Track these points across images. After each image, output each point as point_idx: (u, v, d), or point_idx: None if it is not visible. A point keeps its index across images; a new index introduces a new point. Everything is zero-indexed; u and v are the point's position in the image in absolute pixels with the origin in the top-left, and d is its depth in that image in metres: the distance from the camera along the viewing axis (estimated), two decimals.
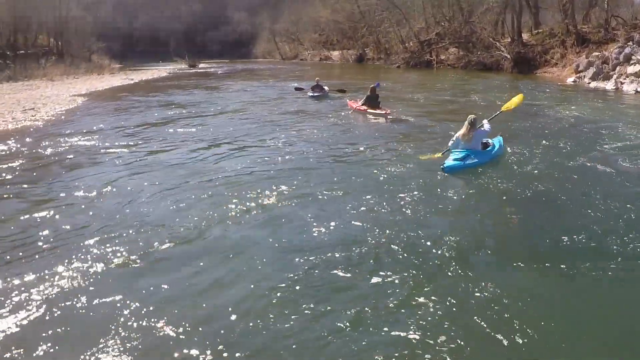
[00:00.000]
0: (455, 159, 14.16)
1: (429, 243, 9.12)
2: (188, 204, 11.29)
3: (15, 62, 62.65)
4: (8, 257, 8.96)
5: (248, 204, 11.12)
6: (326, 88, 33.42)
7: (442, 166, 13.87)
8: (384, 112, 23.87)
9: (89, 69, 71.57)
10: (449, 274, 8.02)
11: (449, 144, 15.01)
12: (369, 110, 24.72)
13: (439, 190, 12.36)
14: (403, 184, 12.62)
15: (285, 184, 12.51)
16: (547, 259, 8.45)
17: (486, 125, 15.30)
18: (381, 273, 8.00)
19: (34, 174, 14.80)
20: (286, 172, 13.96)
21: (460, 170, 13.87)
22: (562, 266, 8.20)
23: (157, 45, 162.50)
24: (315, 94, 32.07)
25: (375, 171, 13.80)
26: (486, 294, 7.33)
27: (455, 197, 11.92)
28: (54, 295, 7.61)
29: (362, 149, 16.89)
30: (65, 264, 8.54)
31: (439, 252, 8.79)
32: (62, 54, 78.61)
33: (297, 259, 8.53)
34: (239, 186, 12.51)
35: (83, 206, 11.47)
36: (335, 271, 8.10)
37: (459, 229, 9.87)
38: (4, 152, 17.68)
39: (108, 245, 9.24)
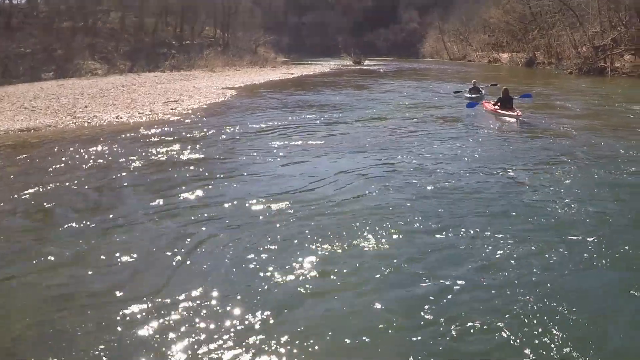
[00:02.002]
0: None
1: None
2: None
3: (180, 51, 63.15)
4: None
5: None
6: (483, 90, 32.16)
7: None
8: (516, 114, 23.29)
9: (253, 61, 71.75)
10: None
11: None
12: (500, 111, 24.35)
13: None
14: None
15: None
16: None
17: None
18: None
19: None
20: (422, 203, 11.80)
21: None
22: None
23: (325, 40, 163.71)
24: (473, 96, 30.63)
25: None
26: None
27: None
28: None
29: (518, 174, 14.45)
30: None
31: None
32: (228, 46, 78.96)
33: None
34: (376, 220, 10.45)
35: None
36: None
37: None
38: (90, 153, 16.48)
39: None
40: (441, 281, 7.76)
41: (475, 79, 35.67)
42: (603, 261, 8.38)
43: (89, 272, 8.12)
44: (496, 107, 24.89)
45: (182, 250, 8.87)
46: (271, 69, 67.40)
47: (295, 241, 9.19)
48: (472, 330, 6.54)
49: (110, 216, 10.66)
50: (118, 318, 6.84)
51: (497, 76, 59.68)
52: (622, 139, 18.61)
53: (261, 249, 8.93)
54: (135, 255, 8.62)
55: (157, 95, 30.97)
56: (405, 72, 70.89)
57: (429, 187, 12.19)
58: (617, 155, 15.91)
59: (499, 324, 6.63)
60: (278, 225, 10.00)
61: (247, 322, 6.73)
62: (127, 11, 67.21)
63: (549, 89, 40.30)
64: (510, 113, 23.72)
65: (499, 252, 8.71)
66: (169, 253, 8.75)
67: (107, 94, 31.30)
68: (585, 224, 10.00)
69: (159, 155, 15.84)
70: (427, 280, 7.80)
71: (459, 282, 7.72)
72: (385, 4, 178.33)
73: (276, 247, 8.99)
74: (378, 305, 7.12)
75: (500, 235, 9.36)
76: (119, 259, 8.50)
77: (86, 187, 12.68)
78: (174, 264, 8.36)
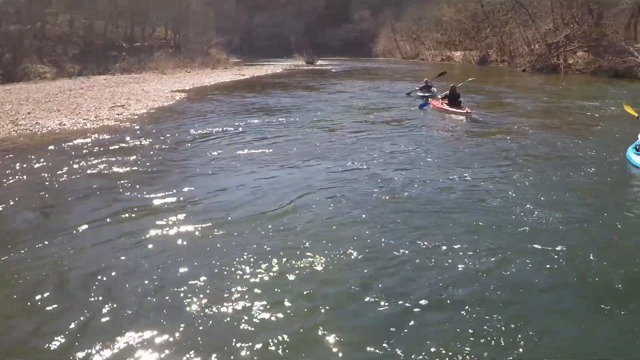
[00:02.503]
0: None
1: None
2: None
3: (130, 54, 62.53)
4: None
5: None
6: (434, 89, 32.18)
7: None
8: (465, 111, 23.78)
9: (204, 62, 71.37)
10: None
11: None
12: (449, 109, 24.75)
13: None
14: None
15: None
16: None
17: None
18: None
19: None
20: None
21: None
22: None
23: (278, 41, 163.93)
24: (425, 94, 31.00)
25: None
26: None
27: None
28: None
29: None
30: None
31: None
32: (179, 47, 78.46)
33: None
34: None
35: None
36: None
37: None
38: (26, 164, 15.56)
39: None
40: (399, 302, 7.22)
41: (427, 77, 35.50)
42: (569, 271, 8.12)
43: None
44: (444, 104, 25.34)
45: (102, 282, 7.94)
46: (222, 70, 66.86)
47: (235, 264, 8.42)
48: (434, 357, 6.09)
49: (34, 235, 9.86)
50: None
51: (451, 75, 59.93)
52: (579, 138, 18.84)
53: (194, 276, 8.09)
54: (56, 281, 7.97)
55: (104, 99, 30.15)
56: (358, 71, 70.88)
57: (383, 197, 11.65)
58: (575, 155, 16.03)
59: (462, 348, 6.22)
60: (217, 246, 9.21)
61: None
62: (76, 13, 66.17)
63: (503, 87, 40.90)
64: (460, 110, 24.12)
65: (459, 266, 8.25)
66: (89, 286, 7.83)
67: (53, 99, 30.43)
68: (547, 231, 9.73)
69: (96, 168, 14.83)
70: (384, 304, 7.19)
71: (419, 302, 7.22)
72: (338, 4, 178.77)
73: (212, 273, 8.17)
74: (329, 336, 6.51)
75: (460, 247, 8.93)
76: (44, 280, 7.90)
77: (12, 202, 11.82)
78: (93, 297, 7.48)
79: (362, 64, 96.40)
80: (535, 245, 8.91)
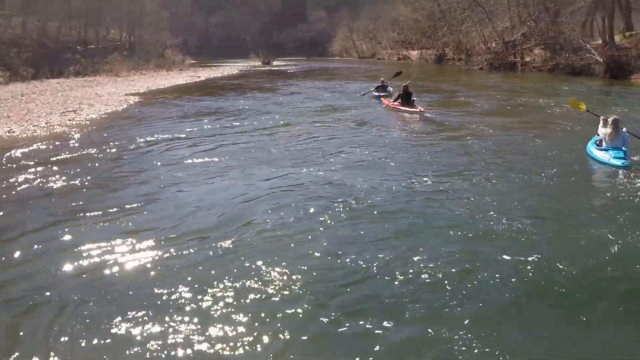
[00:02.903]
0: (620, 157, 14.06)
1: None
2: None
3: (85, 56, 61.71)
4: None
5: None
6: (391, 89, 32.35)
7: (622, 163, 13.75)
8: (418, 110, 23.84)
9: (159, 64, 70.84)
10: None
11: (600, 129, 15.30)
12: (402, 108, 24.95)
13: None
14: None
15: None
16: None
17: (627, 135, 14.98)
18: None
19: None
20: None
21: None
22: None
23: (234, 42, 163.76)
24: (380, 94, 31.03)
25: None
26: None
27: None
28: None
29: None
30: None
31: None
32: (134, 49, 77.80)
33: None
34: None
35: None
36: None
37: None
38: None
39: None
40: (360, 321, 6.74)
41: (384, 77, 35.41)
42: (537, 277, 7.84)
43: None
44: (396, 103, 25.62)
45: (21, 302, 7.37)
46: (178, 72, 66.19)
47: (179, 289, 7.55)
48: None
49: None
50: None
51: (407, 74, 59.95)
52: (539, 136, 18.80)
53: (133, 305, 7.19)
54: None
55: (56, 104, 29.29)
56: (314, 72, 70.76)
57: (339, 206, 11.02)
58: (536, 154, 15.98)
59: None
60: (157, 268, 8.36)
61: None
62: (29, 15, 65.20)
63: (460, 86, 41.02)
64: (413, 109, 24.21)
65: (422, 277, 7.86)
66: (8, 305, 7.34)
67: (4, 104, 29.59)
68: (512, 235, 9.43)
69: (38, 179, 13.87)
70: (345, 323, 6.71)
71: (381, 320, 6.75)
72: (293, 4, 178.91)
73: (153, 300, 7.34)
74: None
75: (422, 257, 8.48)
76: None
77: None
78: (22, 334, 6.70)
79: (319, 64, 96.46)
80: (501, 252, 8.66)
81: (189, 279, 7.87)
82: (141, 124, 23.96)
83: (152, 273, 8.21)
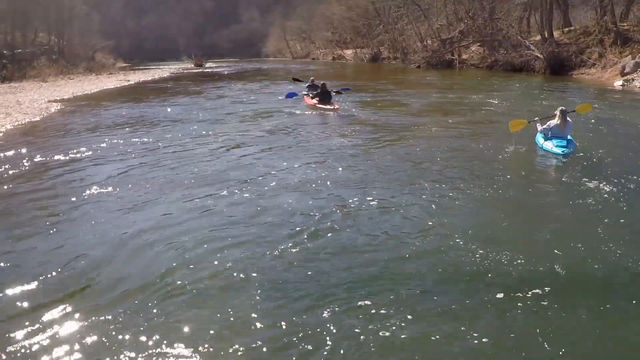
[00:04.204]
0: (562, 146, 14.80)
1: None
2: None
3: (12, 61, 59.80)
4: None
5: None
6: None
7: (562, 151, 14.52)
8: (333, 107, 25.16)
9: (89, 68, 69.18)
10: None
11: (538, 127, 15.98)
12: (319, 105, 25.97)
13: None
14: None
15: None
16: None
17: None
18: None
19: None
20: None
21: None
22: None
23: (167, 44, 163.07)
24: (311, 93, 29.89)
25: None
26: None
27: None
28: None
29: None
30: None
31: None
32: (63, 53, 75.82)
33: None
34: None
35: None
36: None
37: None
38: None
39: None
40: None
41: (313, 76, 34.70)
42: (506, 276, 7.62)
43: None
44: (315, 101, 26.58)
45: None
46: (107, 76, 64.35)
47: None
48: None
49: None
50: None
51: (343, 73, 59.70)
52: (483, 134, 18.83)
53: None
54: None
55: None
56: (246, 73, 69.82)
57: (267, 236, 9.43)
58: (482, 152, 15.77)
59: None
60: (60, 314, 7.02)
61: None
62: None
63: (397, 84, 40.89)
64: (328, 107, 25.35)
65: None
66: None
67: None
68: (473, 241, 8.83)
69: None
70: None
71: None
72: (225, 5, 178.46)
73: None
74: None
75: (369, 291, 7.38)
76: None
77: None
78: None
79: (252, 65, 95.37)
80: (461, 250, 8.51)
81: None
82: (58, 136, 21.13)
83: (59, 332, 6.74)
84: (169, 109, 29.62)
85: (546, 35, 50.17)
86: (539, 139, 15.80)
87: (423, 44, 68.79)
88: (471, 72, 54.43)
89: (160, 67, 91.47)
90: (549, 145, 15.07)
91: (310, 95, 27.78)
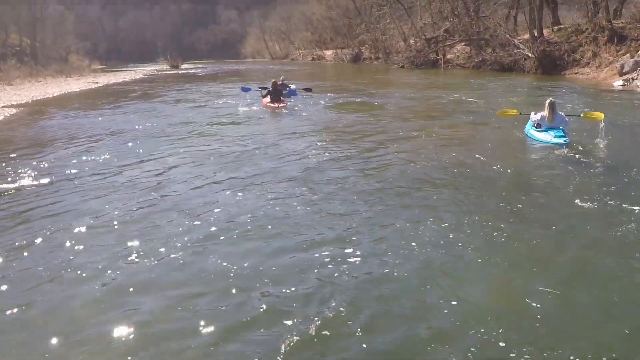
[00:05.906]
0: (560, 136, 15.05)
1: None
2: None
3: None
4: None
5: None
6: (292, 86, 31.78)
7: (564, 141, 14.68)
8: (282, 104, 26.01)
9: (60, 70, 66.96)
10: None
11: (532, 117, 16.20)
12: (269, 104, 26.22)
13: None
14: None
15: None
16: None
17: (566, 117, 15.97)
18: None
19: None
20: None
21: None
22: None
23: (145, 46, 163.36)
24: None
25: None
26: None
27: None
28: None
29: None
30: None
31: None
32: (36, 55, 73.63)
33: None
34: None
35: None
36: None
37: None
38: None
39: None
40: None
41: (284, 75, 35.06)
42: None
43: None
44: (267, 100, 26.66)
45: None
46: (76, 78, 62.34)
47: None
48: None
49: None
50: None
51: (323, 75, 58.82)
52: (474, 132, 18.45)
53: None
54: None
55: None
56: (222, 74, 68.29)
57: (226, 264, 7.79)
58: (475, 148, 15.19)
59: None
60: None
61: None
62: None
63: (381, 85, 40.16)
64: (275, 105, 25.88)
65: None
66: None
67: None
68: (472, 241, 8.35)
69: None
70: None
71: None
72: (203, 6, 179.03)
73: None
74: None
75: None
76: None
77: None
78: None
79: (229, 67, 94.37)
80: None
81: None
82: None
83: None
84: (116, 118, 25.90)
85: (536, 33, 48.55)
86: (531, 130, 16.15)
87: (406, 44, 67.30)
88: (457, 71, 53.27)
89: (134, 69, 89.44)
90: (547, 137, 15.30)
91: (262, 95, 27.97)
